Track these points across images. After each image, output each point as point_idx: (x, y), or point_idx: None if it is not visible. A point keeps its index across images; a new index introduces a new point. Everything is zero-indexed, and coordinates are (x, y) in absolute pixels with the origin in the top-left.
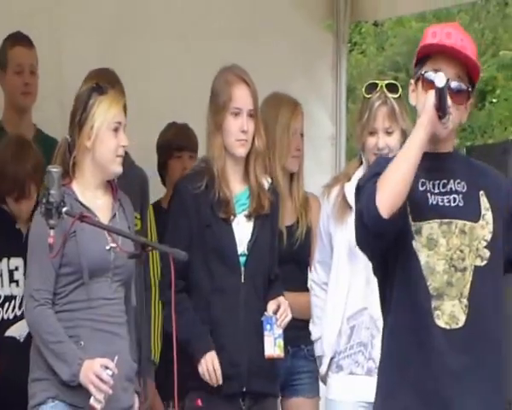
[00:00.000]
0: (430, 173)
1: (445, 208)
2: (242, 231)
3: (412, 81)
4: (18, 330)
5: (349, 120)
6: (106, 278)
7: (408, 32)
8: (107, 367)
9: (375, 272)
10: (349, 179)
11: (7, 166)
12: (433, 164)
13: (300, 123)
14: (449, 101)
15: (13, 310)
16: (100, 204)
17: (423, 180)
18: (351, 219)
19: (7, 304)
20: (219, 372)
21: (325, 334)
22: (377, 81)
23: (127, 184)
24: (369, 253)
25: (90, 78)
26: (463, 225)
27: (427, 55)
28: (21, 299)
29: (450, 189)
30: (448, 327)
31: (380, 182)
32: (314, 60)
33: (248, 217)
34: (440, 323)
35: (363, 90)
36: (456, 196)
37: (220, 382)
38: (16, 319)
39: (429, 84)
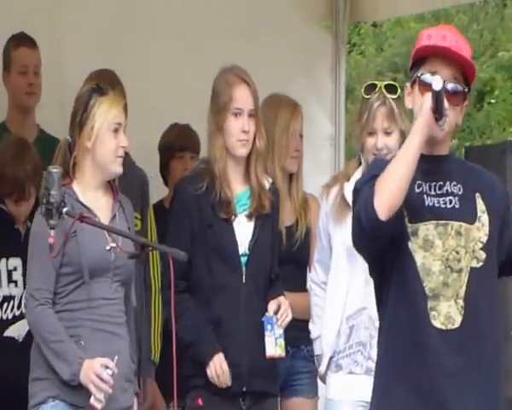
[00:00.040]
0: (426, 175)
1: (441, 210)
2: (243, 231)
3: (408, 85)
4: (17, 331)
5: (348, 121)
6: (106, 278)
7: (407, 32)
8: (107, 367)
9: (372, 273)
10: (348, 179)
11: (7, 167)
12: (430, 166)
13: (300, 124)
14: (445, 103)
15: (11, 310)
16: (100, 205)
17: (419, 182)
18: (350, 219)
19: (5, 304)
20: (228, 374)
21: (324, 333)
22: (376, 82)
23: (127, 184)
24: (366, 254)
25: (91, 79)
26: (459, 227)
27: (423, 57)
28: (20, 299)
29: (447, 191)
30: (444, 328)
31: (377, 184)
32: (313, 60)
33: (249, 217)
34: (436, 323)
35: (363, 90)
36: (452, 197)
37: (229, 383)
38: (15, 319)
39: (426, 86)
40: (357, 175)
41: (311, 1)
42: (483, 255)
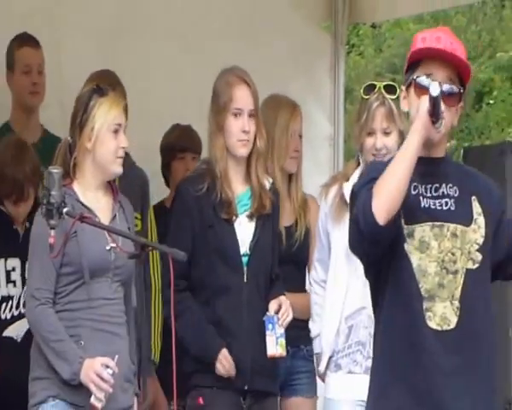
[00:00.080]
0: (423, 177)
1: (437, 212)
2: (244, 231)
3: (403, 88)
4: (15, 331)
5: (347, 121)
6: (106, 278)
7: (405, 33)
8: (107, 366)
9: (367, 274)
10: (347, 179)
11: (6, 168)
12: (426, 168)
13: (299, 124)
14: (442, 106)
15: (10, 310)
16: (101, 205)
17: (416, 184)
18: (348, 218)
19: (4, 304)
20: (233, 366)
21: (323, 332)
22: (375, 82)
23: (128, 184)
24: (364, 257)
25: (92, 79)
26: (455, 229)
27: (418, 60)
28: (18, 299)
29: (443, 193)
30: (439, 328)
31: (376, 188)
32: (312, 61)
33: (250, 217)
34: (432, 324)
35: (362, 91)
36: (448, 200)
37: (233, 373)
38: (13, 319)
39: (422, 89)
40: (356, 175)
41: (310, 2)
42: (479, 257)
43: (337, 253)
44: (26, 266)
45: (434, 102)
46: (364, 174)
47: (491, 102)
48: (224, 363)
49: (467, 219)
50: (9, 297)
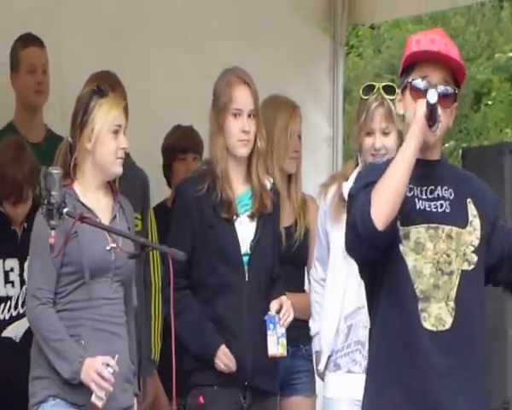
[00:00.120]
0: (418, 180)
1: (432, 214)
2: (245, 230)
3: (398, 91)
4: (14, 331)
5: (346, 122)
6: (106, 279)
7: (404, 34)
8: (108, 365)
9: (363, 275)
10: (346, 179)
11: (6, 169)
12: (422, 171)
13: (298, 125)
14: (439, 110)
15: (8, 311)
16: (101, 206)
17: (411, 186)
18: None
19: (2, 305)
20: (234, 360)
21: (323, 332)
22: (374, 83)
23: (128, 185)
24: (360, 260)
25: (92, 80)
26: (450, 231)
27: (413, 63)
28: (17, 300)
29: (438, 195)
30: (435, 329)
31: (374, 194)
32: (311, 62)
33: (251, 217)
34: (427, 325)
35: (361, 91)
36: (443, 202)
37: (234, 368)
38: (12, 319)
39: (418, 92)
40: (355, 175)
41: (309, 3)
42: (475, 258)
43: (336, 253)
44: (25, 266)
45: (432, 108)
46: (361, 177)
47: (490, 102)
48: (223, 359)
49: (462, 222)
50: (8, 298)
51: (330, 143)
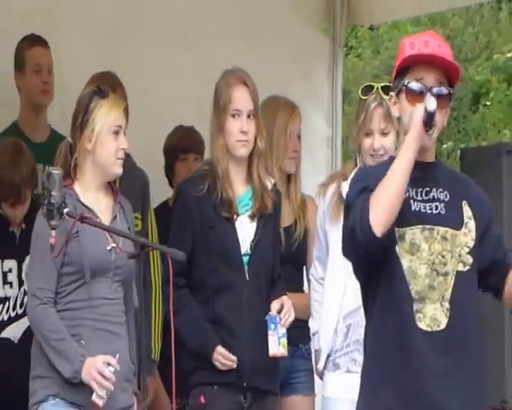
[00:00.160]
0: (413, 181)
1: (427, 215)
2: (245, 230)
3: (393, 94)
4: (12, 332)
5: (345, 123)
6: (106, 278)
7: (403, 36)
8: (109, 364)
9: (358, 276)
10: (345, 178)
11: (4, 171)
12: (417, 172)
13: (298, 125)
14: (437, 116)
15: (7, 312)
16: (101, 206)
17: (407, 187)
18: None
19: (1, 306)
20: (232, 357)
21: (322, 331)
22: (373, 83)
23: (128, 185)
24: (356, 262)
25: (93, 81)
26: (445, 232)
27: (408, 66)
28: (15, 300)
29: (433, 197)
30: (430, 329)
31: (373, 200)
32: (311, 63)
33: (252, 217)
34: (422, 325)
35: (360, 92)
36: (438, 203)
37: (235, 365)
38: (10, 320)
39: (414, 95)
40: (349, 181)
41: (309, 4)
42: (470, 260)
43: (335, 252)
44: (23, 267)
45: (429, 115)
46: (355, 182)
47: (488, 103)
48: (220, 359)
49: (457, 223)
50: (6, 299)
51: (329, 143)
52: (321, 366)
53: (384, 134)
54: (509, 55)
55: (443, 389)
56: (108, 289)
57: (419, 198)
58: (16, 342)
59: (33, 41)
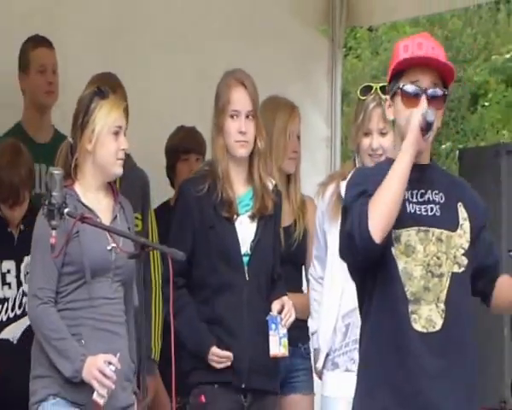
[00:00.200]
0: (409, 183)
1: (422, 217)
2: (246, 231)
3: (388, 97)
4: (11, 333)
5: (344, 123)
6: (107, 278)
7: (402, 36)
8: (110, 363)
9: (353, 277)
10: (344, 179)
11: (2, 173)
12: (413, 174)
13: (297, 126)
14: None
15: (6, 312)
16: (102, 206)
17: None
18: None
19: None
20: (227, 353)
21: (321, 330)
22: (372, 84)
23: (128, 185)
24: (352, 265)
25: (93, 82)
26: (440, 234)
27: (402, 69)
28: (14, 301)
29: (428, 199)
30: (425, 331)
31: (371, 205)
32: (310, 64)
33: (252, 217)
34: (417, 327)
35: (359, 92)
36: (433, 205)
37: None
38: (9, 321)
39: (409, 98)
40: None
41: (308, 6)
42: (465, 261)
43: (334, 252)
44: (21, 268)
45: (428, 124)
46: (352, 185)
47: (486, 104)
48: (215, 359)
49: (452, 225)
50: (5, 299)
51: (328, 143)
52: (320, 365)
53: (383, 134)
54: (508, 56)
55: (438, 391)
56: (109, 289)
57: (414, 200)
58: (15, 342)
59: (38, 42)
